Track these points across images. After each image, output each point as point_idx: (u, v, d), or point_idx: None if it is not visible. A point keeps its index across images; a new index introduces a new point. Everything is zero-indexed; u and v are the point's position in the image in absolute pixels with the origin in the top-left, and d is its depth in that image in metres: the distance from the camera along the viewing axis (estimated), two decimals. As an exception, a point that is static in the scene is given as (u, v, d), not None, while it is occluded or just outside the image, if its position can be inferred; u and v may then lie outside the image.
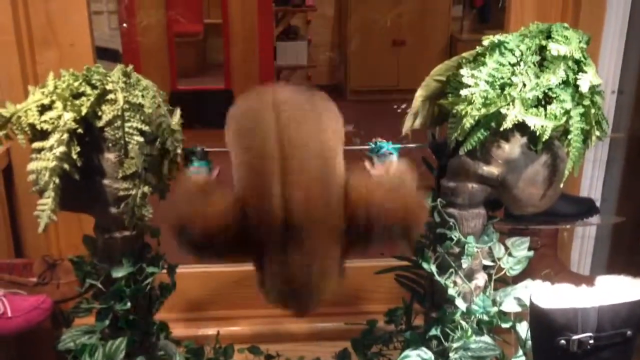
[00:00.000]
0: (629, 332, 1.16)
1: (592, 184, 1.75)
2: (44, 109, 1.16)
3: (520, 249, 1.35)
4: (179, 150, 1.23)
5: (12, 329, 1.33)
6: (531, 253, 1.35)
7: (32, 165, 1.14)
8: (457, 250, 1.30)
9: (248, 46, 3.68)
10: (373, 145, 1.31)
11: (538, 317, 1.18)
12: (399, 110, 1.34)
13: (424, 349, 1.33)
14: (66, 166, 1.12)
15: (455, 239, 1.29)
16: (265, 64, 3.75)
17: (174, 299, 1.43)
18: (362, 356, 1.55)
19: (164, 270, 1.37)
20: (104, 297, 1.27)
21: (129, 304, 1.27)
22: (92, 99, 1.14)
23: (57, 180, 1.12)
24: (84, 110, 1.13)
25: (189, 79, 4.04)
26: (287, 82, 4.21)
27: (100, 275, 1.28)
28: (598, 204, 1.65)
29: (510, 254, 1.35)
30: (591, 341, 1.14)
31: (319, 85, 5.03)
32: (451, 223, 1.29)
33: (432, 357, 1.32)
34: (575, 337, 1.14)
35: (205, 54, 4.33)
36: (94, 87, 1.17)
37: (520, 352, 1.30)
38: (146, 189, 1.20)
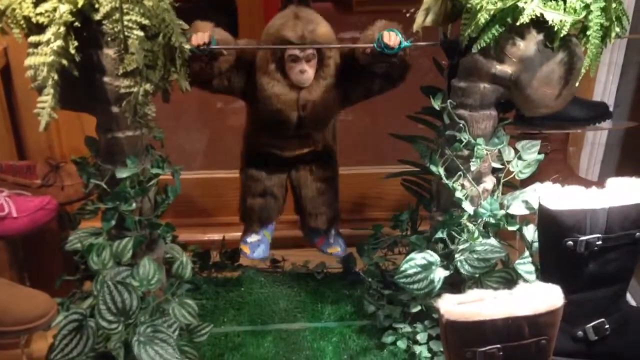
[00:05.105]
0: (637, 234, 1.15)
1: (606, 88, 1.70)
2: (38, 0, 1.11)
3: (530, 152, 1.33)
4: (186, 47, 1.18)
5: (18, 229, 1.33)
6: (541, 156, 1.33)
7: (29, 61, 1.10)
8: (466, 152, 1.28)
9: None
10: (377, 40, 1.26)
11: (546, 219, 1.17)
12: (407, 15, 1.28)
13: (429, 251, 1.33)
14: (64, 61, 1.09)
15: (464, 140, 1.26)
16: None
17: (178, 205, 1.43)
18: (367, 260, 1.56)
19: (169, 173, 1.36)
20: (109, 198, 1.26)
21: (134, 204, 1.26)
22: (88, -10, 1.09)
23: (56, 76, 1.09)
24: (80, 2, 1.08)
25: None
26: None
27: (105, 176, 1.27)
28: (611, 109, 1.61)
29: (520, 157, 1.32)
30: (599, 242, 1.14)
31: (324, -6, 4.86)
32: (461, 124, 1.26)
33: (438, 260, 1.32)
34: (582, 238, 1.13)
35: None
36: (89, -23, 1.11)
37: (527, 253, 1.30)
38: (148, 86, 1.16)
